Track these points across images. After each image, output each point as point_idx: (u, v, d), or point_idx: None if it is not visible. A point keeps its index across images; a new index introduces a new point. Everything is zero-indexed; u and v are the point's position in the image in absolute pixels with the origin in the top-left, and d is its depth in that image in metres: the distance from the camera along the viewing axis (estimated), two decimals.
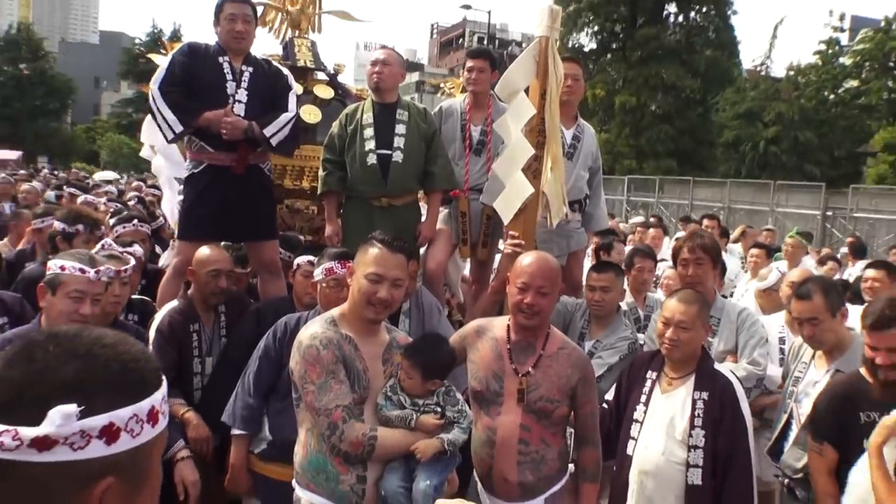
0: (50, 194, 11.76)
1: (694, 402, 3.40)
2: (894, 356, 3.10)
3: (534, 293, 3.21)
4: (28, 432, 0.90)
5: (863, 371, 3.36)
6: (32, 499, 0.94)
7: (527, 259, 3.38)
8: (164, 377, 1.10)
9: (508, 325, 3.37)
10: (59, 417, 0.90)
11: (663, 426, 3.45)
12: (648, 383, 3.60)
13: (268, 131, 4.62)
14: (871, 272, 5.39)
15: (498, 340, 3.35)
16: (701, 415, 3.37)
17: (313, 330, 3.03)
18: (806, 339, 3.92)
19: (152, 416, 1.02)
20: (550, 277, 3.29)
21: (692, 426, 3.37)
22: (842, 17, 32.51)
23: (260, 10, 6.32)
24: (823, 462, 3.37)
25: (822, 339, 3.85)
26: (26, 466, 0.91)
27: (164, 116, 4.59)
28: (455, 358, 3.35)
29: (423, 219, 5.09)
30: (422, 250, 5.00)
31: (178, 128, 4.60)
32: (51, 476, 0.93)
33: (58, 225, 5.14)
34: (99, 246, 4.17)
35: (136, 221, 5.55)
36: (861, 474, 2.87)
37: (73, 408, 0.91)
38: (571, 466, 3.46)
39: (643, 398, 3.58)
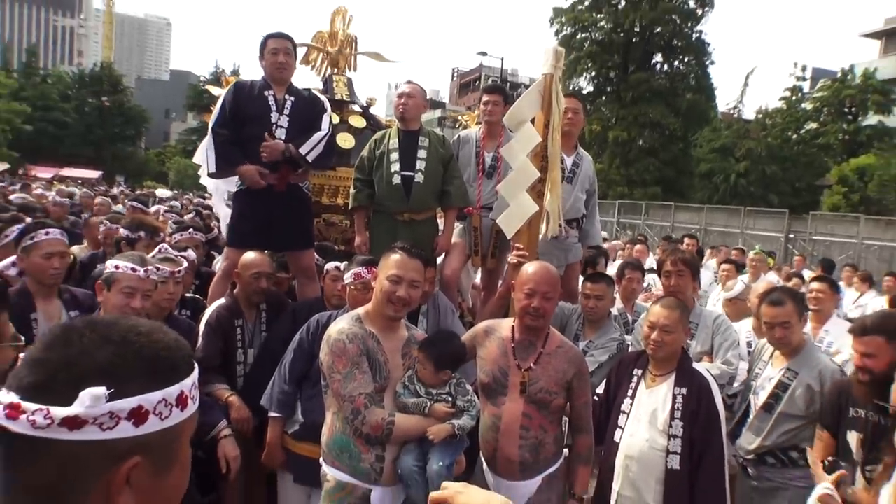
0: (119, 207, 11.81)
1: (674, 396, 3.38)
2: (867, 360, 3.11)
3: (539, 298, 3.21)
4: (59, 412, 0.85)
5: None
6: (64, 474, 0.88)
7: (532, 268, 3.37)
8: (195, 365, 1.04)
9: (513, 326, 3.35)
10: (89, 399, 0.85)
11: (647, 417, 3.43)
12: (635, 379, 3.57)
13: (303, 149, 4.59)
14: (815, 284, 5.31)
15: (504, 339, 3.33)
16: (680, 408, 3.35)
17: (341, 326, 3.03)
18: (775, 340, 3.85)
19: (181, 401, 0.97)
20: (553, 284, 3.30)
21: (672, 418, 3.35)
22: (804, 69, 32.73)
23: (304, 50, 6.35)
24: (821, 444, 3.37)
25: (791, 340, 3.80)
26: (59, 444, 0.86)
27: (208, 156, 4.68)
28: (465, 352, 3.32)
29: (441, 232, 5.08)
30: (439, 259, 4.95)
31: (212, 170, 4.70)
32: (81, 453, 0.87)
33: (123, 231, 5.16)
34: (157, 250, 4.15)
35: (191, 230, 5.56)
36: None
37: (102, 390, 0.86)
38: (566, 451, 3.42)
39: (630, 392, 3.56)
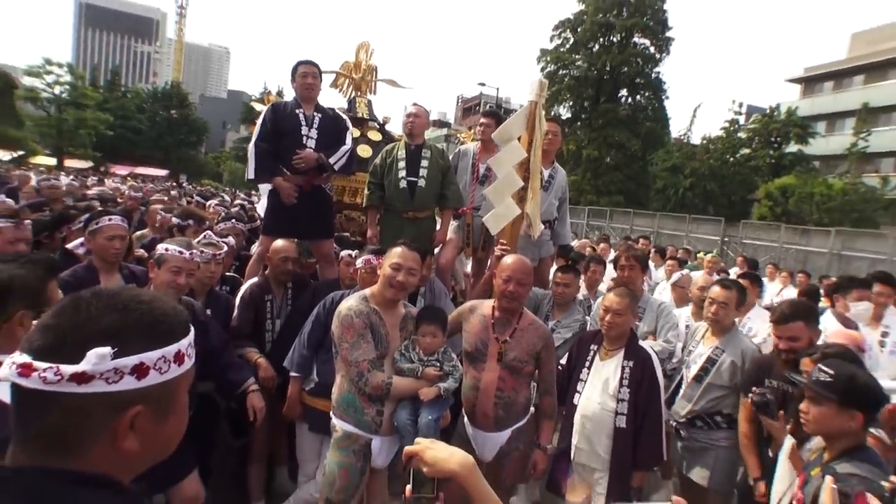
0: (183, 201, 11.77)
1: (623, 367, 3.37)
2: (791, 342, 3.15)
3: (514, 283, 3.20)
4: (67, 369, 0.84)
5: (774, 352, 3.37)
6: (77, 422, 0.87)
7: (510, 259, 3.34)
8: (191, 328, 1.01)
9: (493, 306, 3.33)
10: (95, 357, 0.85)
11: (600, 384, 3.41)
12: (591, 353, 3.54)
13: (332, 160, 4.60)
14: (742, 282, 5.11)
15: (485, 316, 3.31)
16: (627, 377, 3.34)
17: (350, 303, 3.02)
18: (711, 315, 3.78)
19: (178, 358, 0.95)
20: (526, 273, 3.27)
21: (621, 385, 3.34)
22: (740, 105, 32.75)
23: (333, 76, 6.30)
24: (746, 409, 3.35)
25: (724, 320, 3.76)
26: (70, 397, 0.85)
27: (249, 164, 4.64)
28: (446, 317, 3.29)
29: (438, 228, 5.03)
30: (436, 251, 4.91)
31: (251, 177, 4.68)
32: (90, 404, 0.86)
33: (175, 220, 5.10)
34: (202, 235, 4.09)
35: (233, 221, 5.50)
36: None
37: (107, 350, 0.85)
38: (533, 409, 3.40)
39: (587, 363, 3.53)
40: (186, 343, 0.98)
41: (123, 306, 0.92)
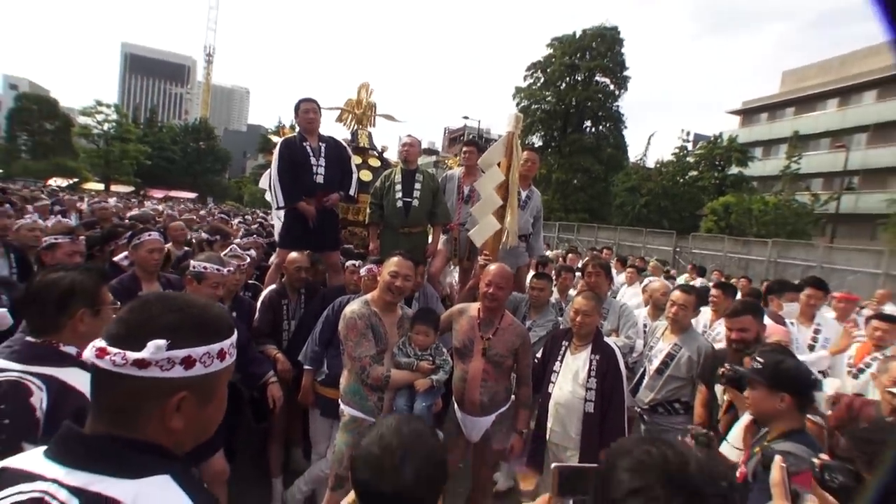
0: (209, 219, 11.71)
1: (591, 360, 3.35)
2: (742, 333, 3.17)
3: (495, 287, 3.20)
4: (131, 355, 0.90)
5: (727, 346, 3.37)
6: (136, 401, 0.93)
7: (492, 267, 3.34)
8: (234, 331, 1.04)
9: (479, 308, 3.32)
10: (153, 347, 0.90)
11: (571, 375, 3.39)
12: (563, 348, 3.52)
13: (351, 191, 4.75)
14: (714, 291, 4.98)
15: (472, 317, 3.31)
16: (595, 369, 3.32)
17: (353, 307, 3.04)
18: (672, 315, 3.78)
19: (221, 355, 0.99)
20: (506, 279, 3.28)
21: (588, 376, 3.32)
22: (688, 134, 32.74)
23: (338, 112, 6.32)
24: (702, 396, 3.36)
25: (683, 320, 3.77)
26: (131, 379, 0.91)
27: (275, 193, 4.61)
28: (438, 317, 3.32)
29: (430, 241, 5.03)
30: (428, 261, 4.90)
31: (281, 205, 4.63)
32: (146, 386, 0.92)
33: (203, 235, 5.09)
34: (228, 248, 4.08)
35: (254, 236, 5.50)
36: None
37: (163, 342, 0.91)
38: (513, 397, 3.38)
39: (559, 357, 3.51)
40: (229, 343, 1.01)
41: (180, 308, 0.98)
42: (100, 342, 0.92)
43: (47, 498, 0.85)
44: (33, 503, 0.85)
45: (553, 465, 1.36)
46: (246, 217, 15.24)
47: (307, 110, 4.64)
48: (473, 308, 3.38)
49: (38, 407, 1.49)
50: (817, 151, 32.79)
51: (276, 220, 5.73)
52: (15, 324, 2.03)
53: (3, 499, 0.86)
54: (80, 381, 1.57)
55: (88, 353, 0.92)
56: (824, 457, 1.79)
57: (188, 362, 0.93)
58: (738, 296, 5.28)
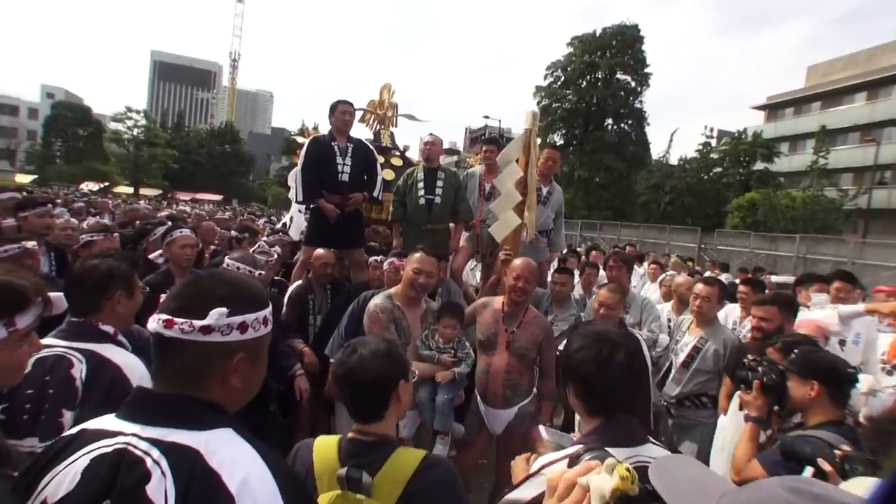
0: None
1: None
2: (762, 322, 3.16)
3: (523, 281, 3.23)
4: (197, 322, 1.01)
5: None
6: (200, 363, 1.04)
7: (518, 262, 3.37)
8: (269, 302, 1.17)
9: (503, 302, 3.33)
10: (216, 314, 1.02)
11: None
12: None
13: (375, 192, 4.86)
14: (742, 287, 4.75)
15: (496, 311, 3.33)
16: None
17: (377, 301, 3.11)
18: (696, 308, 3.74)
19: (265, 321, 1.11)
20: (532, 273, 3.32)
21: None
22: (711, 130, 32.16)
23: (360, 113, 6.38)
24: (726, 388, 3.33)
25: (708, 312, 3.72)
26: (196, 344, 1.02)
27: (297, 189, 4.78)
28: (463, 310, 3.35)
29: (452, 237, 5.05)
30: (451, 257, 4.92)
31: (300, 199, 4.81)
32: (210, 350, 1.03)
33: (233, 233, 5.19)
34: (256, 245, 4.16)
35: (280, 234, 5.58)
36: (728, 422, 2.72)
37: (224, 310, 1.03)
38: (535, 390, 3.39)
39: None
40: (269, 311, 1.13)
41: (230, 282, 1.12)
42: (163, 315, 1.03)
43: (130, 448, 0.95)
44: (118, 453, 0.95)
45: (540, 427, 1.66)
46: (271, 217, 15.53)
47: (344, 111, 4.76)
48: (497, 301, 3.39)
49: (78, 377, 1.65)
50: (846, 146, 31.99)
51: (297, 213, 5.82)
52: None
53: (88, 452, 0.97)
54: (115, 355, 1.74)
55: (155, 325, 1.03)
56: (846, 448, 1.77)
57: (243, 327, 1.06)
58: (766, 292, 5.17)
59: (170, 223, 4.22)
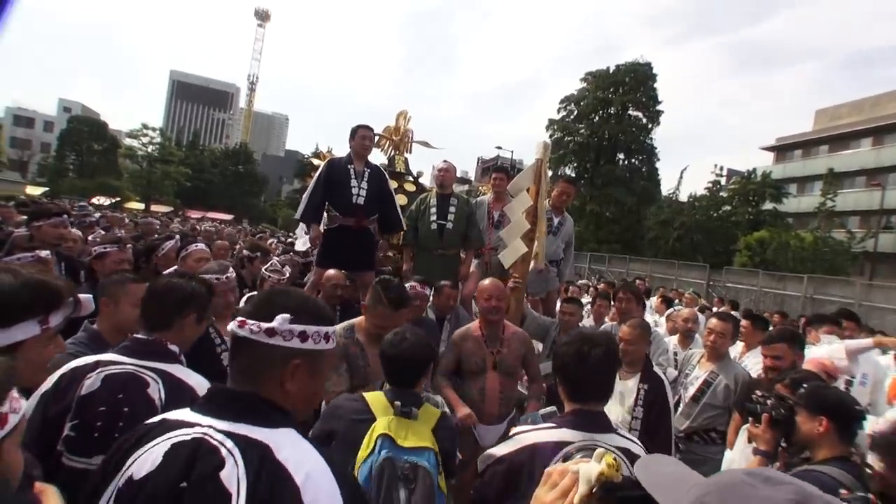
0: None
1: (639, 389, 3.25)
2: (775, 361, 3.14)
3: (496, 300, 3.32)
4: (264, 325, 1.12)
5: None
6: (263, 364, 1.13)
7: (487, 282, 3.46)
8: (335, 323, 1.28)
9: (479, 326, 3.38)
10: (280, 320, 1.12)
11: (618, 399, 3.29)
12: None
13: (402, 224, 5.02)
14: (744, 322, 4.68)
15: (476, 338, 3.33)
16: (642, 398, 3.23)
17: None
18: (710, 343, 3.71)
19: (327, 337, 1.19)
20: (503, 291, 3.43)
21: (636, 404, 3.23)
22: (721, 168, 32.28)
23: (377, 138, 6.47)
24: (735, 423, 3.31)
25: (721, 348, 3.70)
26: (260, 344, 1.12)
27: (301, 205, 4.89)
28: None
29: (462, 263, 5.06)
30: (461, 283, 4.92)
31: (299, 216, 4.95)
32: (271, 351, 1.12)
33: (245, 252, 5.23)
34: (269, 263, 4.19)
35: (291, 254, 5.62)
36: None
37: (287, 317, 1.12)
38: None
39: None
40: (332, 330, 1.22)
41: (296, 297, 1.23)
42: (240, 317, 1.15)
43: (206, 437, 1.05)
44: (195, 442, 1.05)
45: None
46: (280, 238, 15.72)
47: (364, 136, 4.83)
48: (473, 328, 3.40)
49: (157, 398, 1.65)
50: (853, 189, 32.05)
51: (302, 233, 5.88)
52: (75, 323, 2.13)
53: (169, 438, 1.07)
54: (187, 376, 1.75)
55: (232, 325, 1.15)
56: (844, 493, 1.76)
57: (303, 336, 1.14)
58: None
59: (177, 237, 4.24)
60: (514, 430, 1.91)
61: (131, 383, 1.64)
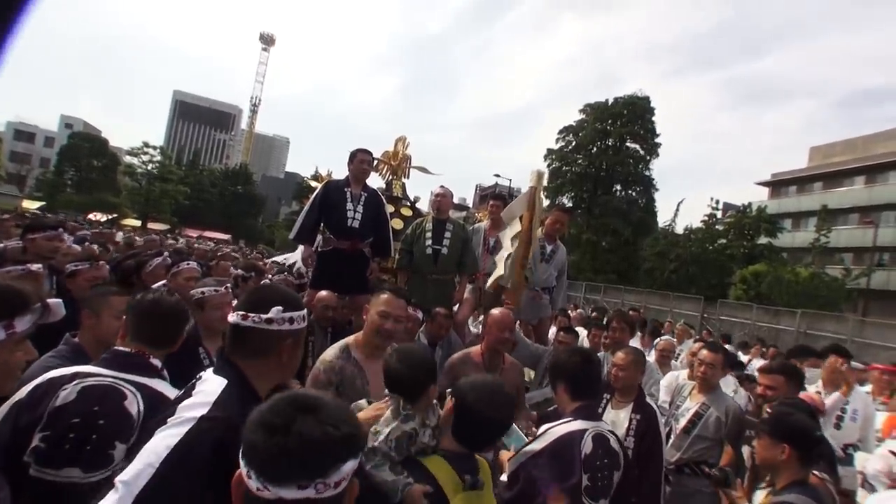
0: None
1: (631, 419, 3.22)
2: (768, 390, 3.14)
3: (509, 332, 3.34)
4: (263, 315, 1.40)
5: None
6: (263, 344, 1.41)
7: (498, 311, 3.43)
8: (304, 305, 1.56)
9: (480, 353, 3.35)
10: (276, 311, 1.40)
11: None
12: (605, 400, 3.40)
13: (389, 253, 5.10)
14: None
15: (477, 364, 3.29)
16: (634, 428, 3.18)
17: (326, 355, 2.58)
18: (700, 374, 3.71)
19: (303, 318, 1.48)
20: (513, 323, 3.46)
21: (627, 434, 3.15)
22: (717, 202, 32.35)
23: (375, 163, 6.53)
24: (727, 456, 3.33)
25: (711, 379, 3.69)
26: (261, 331, 1.40)
27: (296, 226, 4.97)
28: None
29: (457, 288, 5.06)
30: (455, 308, 4.92)
31: (293, 236, 5.05)
32: (269, 336, 1.41)
33: (240, 272, 5.22)
34: (262, 284, 4.17)
35: (285, 274, 5.63)
36: None
37: (281, 308, 1.40)
38: None
39: (600, 409, 3.34)
40: (304, 312, 1.50)
41: (282, 291, 1.55)
42: (239, 311, 1.41)
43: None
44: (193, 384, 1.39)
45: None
46: (276, 260, 15.72)
47: (363, 160, 4.87)
48: (474, 353, 3.37)
49: (135, 411, 1.64)
50: (846, 226, 32.36)
51: (297, 254, 5.90)
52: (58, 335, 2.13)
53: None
54: (167, 390, 1.70)
55: (234, 318, 1.41)
56: None
57: (291, 321, 1.42)
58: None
59: (166, 254, 4.19)
60: (542, 427, 2.34)
61: (108, 396, 1.61)
